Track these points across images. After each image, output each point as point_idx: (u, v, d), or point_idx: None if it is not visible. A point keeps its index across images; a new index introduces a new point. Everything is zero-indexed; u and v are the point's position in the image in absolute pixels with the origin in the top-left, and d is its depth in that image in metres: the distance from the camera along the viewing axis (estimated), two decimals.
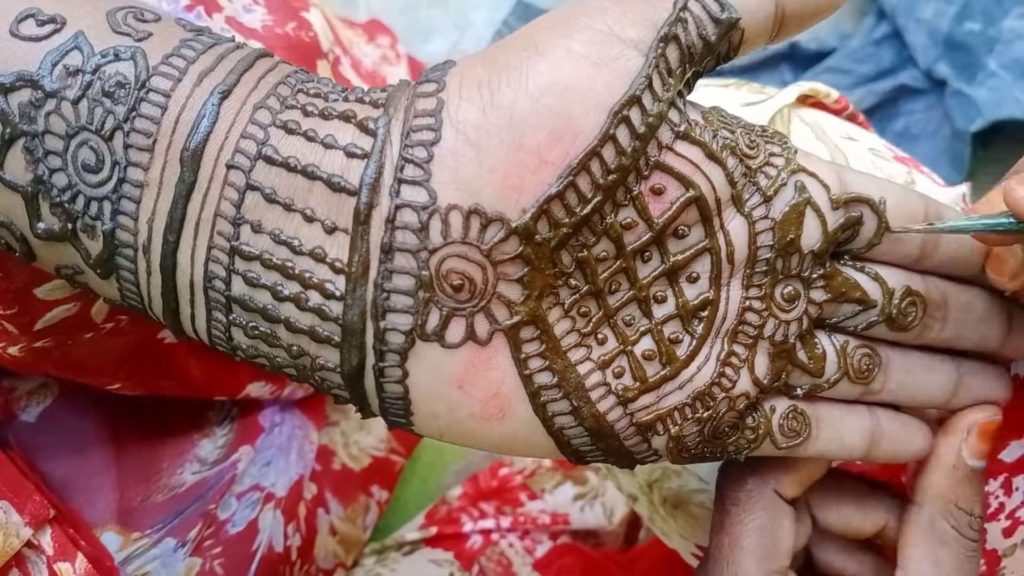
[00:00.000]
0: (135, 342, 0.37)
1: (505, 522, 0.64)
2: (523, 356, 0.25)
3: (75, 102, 0.24)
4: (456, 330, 0.25)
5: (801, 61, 0.92)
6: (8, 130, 0.24)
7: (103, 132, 0.24)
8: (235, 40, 0.26)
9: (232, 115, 0.24)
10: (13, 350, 0.34)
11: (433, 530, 0.63)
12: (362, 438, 0.63)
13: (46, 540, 0.36)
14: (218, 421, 0.46)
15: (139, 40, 0.24)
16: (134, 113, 0.24)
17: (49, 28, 0.24)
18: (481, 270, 0.24)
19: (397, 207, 0.24)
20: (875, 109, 0.93)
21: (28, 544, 0.35)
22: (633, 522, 0.69)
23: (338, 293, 0.24)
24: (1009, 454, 0.35)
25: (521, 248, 0.24)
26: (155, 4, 0.36)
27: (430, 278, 0.24)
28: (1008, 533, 0.35)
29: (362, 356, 0.24)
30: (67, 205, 0.24)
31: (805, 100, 0.42)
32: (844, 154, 0.39)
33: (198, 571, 0.43)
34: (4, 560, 0.34)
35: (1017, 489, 0.34)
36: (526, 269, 0.24)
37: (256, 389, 0.46)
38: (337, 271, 0.24)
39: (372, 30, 0.84)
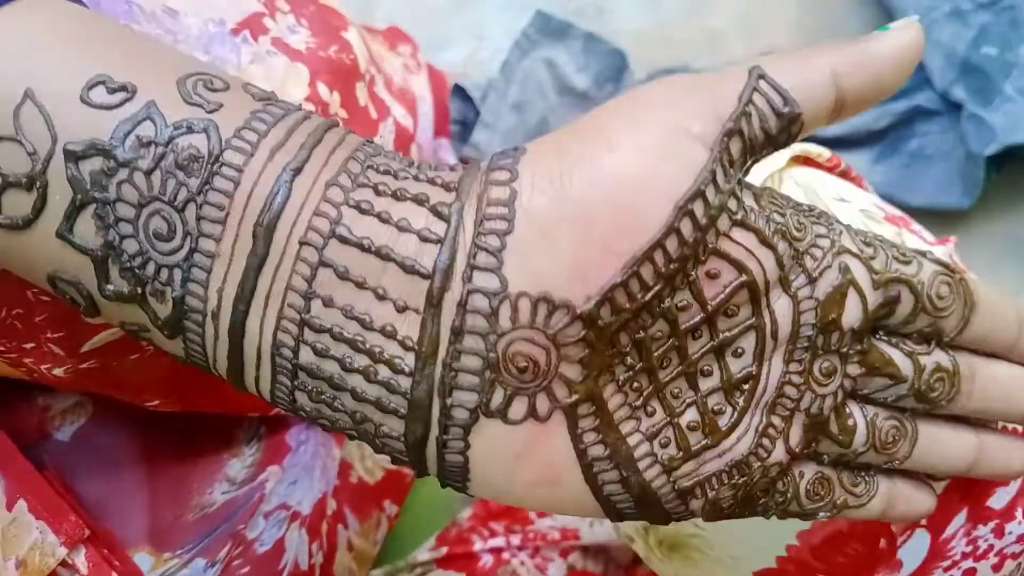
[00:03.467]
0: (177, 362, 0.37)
1: (515, 540, 0.64)
2: (579, 431, 0.26)
3: (148, 173, 0.24)
4: (519, 408, 0.25)
5: None
6: (79, 196, 0.24)
7: (176, 203, 0.24)
8: (302, 108, 0.27)
9: (304, 192, 0.25)
10: (58, 371, 0.34)
11: (444, 550, 0.63)
12: None
13: (80, 560, 0.36)
14: (246, 440, 0.46)
15: (210, 112, 0.25)
16: (207, 186, 0.24)
17: (120, 96, 0.24)
18: (545, 353, 0.25)
19: (469, 292, 0.24)
20: (890, 129, 0.93)
21: (63, 563, 0.35)
22: None
23: (407, 369, 0.25)
24: (997, 500, 0.36)
25: (584, 332, 0.25)
26: (201, 28, 0.36)
27: (497, 360, 0.25)
28: (997, 568, 0.36)
29: (426, 428, 0.25)
30: (137, 270, 0.25)
31: (798, 159, 0.43)
32: (835, 215, 0.40)
33: None
34: None
35: (1009, 533, 0.35)
36: (587, 351, 0.25)
37: None
38: (407, 348, 0.25)
39: (393, 38, 0.84)
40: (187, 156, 0.24)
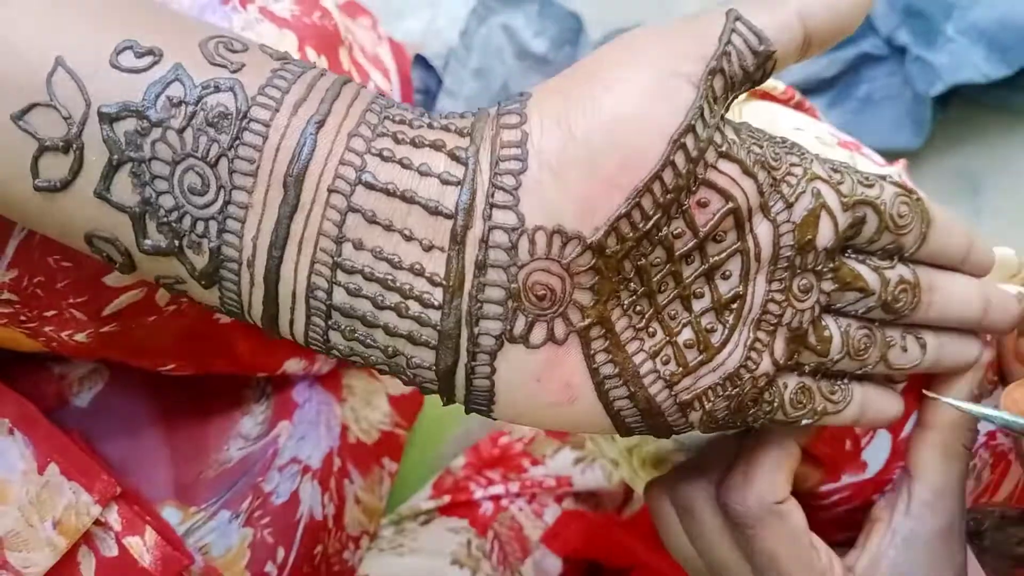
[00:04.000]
0: (192, 323, 0.39)
1: (513, 487, 0.66)
2: (592, 352, 0.28)
3: (180, 131, 0.25)
4: (539, 332, 0.28)
5: None
6: (115, 156, 0.25)
7: (208, 159, 0.25)
8: (316, 66, 0.28)
9: (329, 143, 0.26)
10: (80, 336, 0.35)
11: (446, 499, 0.65)
12: (369, 413, 0.65)
13: (113, 517, 0.37)
14: (255, 399, 0.48)
15: (234, 71, 0.26)
16: (237, 142, 0.25)
17: (148, 60, 0.26)
18: (560, 281, 0.27)
19: (490, 228, 0.26)
20: (839, 76, 0.96)
21: (96, 522, 0.37)
22: None
23: (436, 303, 0.27)
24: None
25: (594, 261, 0.27)
26: None
27: (518, 290, 0.27)
28: None
29: (456, 357, 0.27)
30: (174, 224, 0.26)
31: (755, 93, 0.45)
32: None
33: (251, 540, 0.45)
34: (77, 537, 0.35)
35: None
36: (596, 278, 0.27)
37: (292, 365, 0.48)
38: (435, 284, 0.26)
39: (351, 11, 0.85)
40: (216, 114, 0.25)
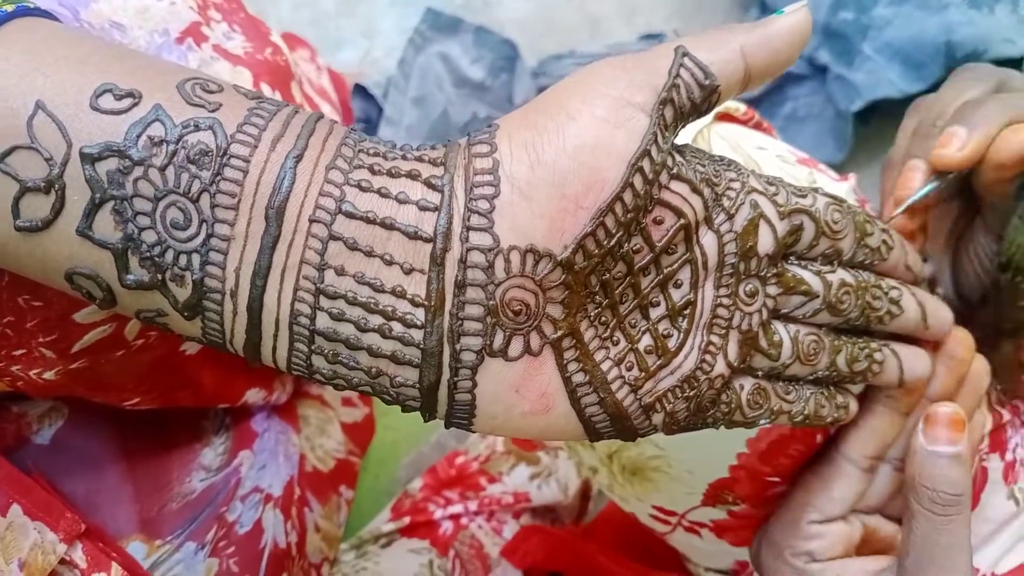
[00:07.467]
0: (160, 356, 0.39)
1: (472, 505, 0.68)
2: (564, 362, 0.30)
3: (162, 169, 0.27)
4: (516, 346, 0.29)
5: None
6: (98, 195, 0.26)
7: (190, 194, 0.27)
8: (289, 104, 0.30)
9: (308, 176, 0.28)
10: (49, 375, 0.35)
11: (406, 520, 0.66)
12: (324, 442, 0.65)
13: (78, 555, 0.37)
14: (214, 430, 0.48)
15: (213, 111, 0.27)
16: (219, 177, 0.27)
17: (128, 102, 0.27)
18: (535, 296, 0.29)
19: (468, 250, 0.28)
20: (764, 96, 1.00)
21: (61, 560, 0.37)
22: (584, 495, 0.74)
23: (418, 323, 0.28)
24: None
25: (564, 276, 0.29)
26: (148, 39, 0.38)
27: (496, 307, 0.29)
28: None
29: (439, 373, 0.29)
30: (157, 259, 0.27)
31: (719, 116, 0.49)
32: (756, 163, 0.46)
33: (217, 571, 0.45)
34: None
35: None
36: (567, 292, 0.30)
37: (252, 395, 0.48)
38: (416, 304, 0.28)
39: (290, 43, 0.86)
40: (197, 151, 0.27)
